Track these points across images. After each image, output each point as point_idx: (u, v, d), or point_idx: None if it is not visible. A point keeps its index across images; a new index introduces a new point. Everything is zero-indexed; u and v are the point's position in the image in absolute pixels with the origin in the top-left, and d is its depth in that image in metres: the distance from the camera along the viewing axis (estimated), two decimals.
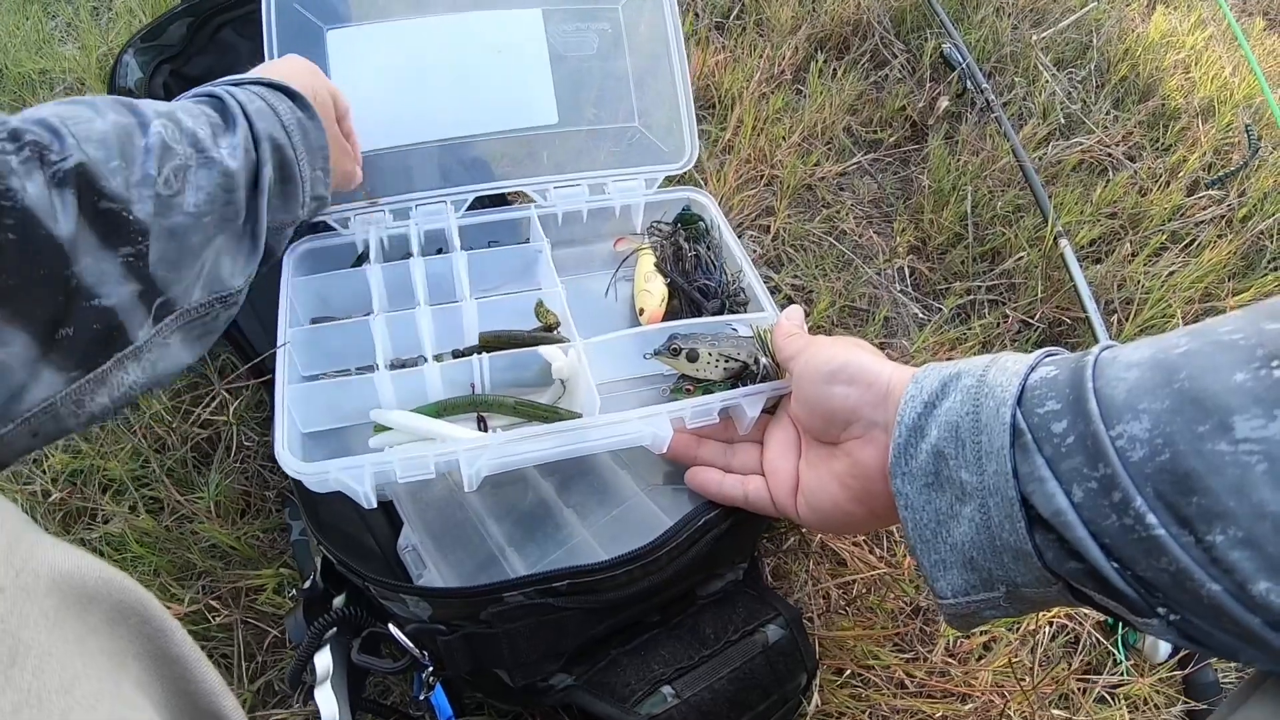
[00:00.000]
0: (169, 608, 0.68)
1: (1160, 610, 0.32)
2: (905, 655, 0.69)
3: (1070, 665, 0.69)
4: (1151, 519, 0.31)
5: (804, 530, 0.74)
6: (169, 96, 0.78)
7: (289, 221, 0.51)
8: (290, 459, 0.53)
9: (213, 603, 0.72)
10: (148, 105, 0.43)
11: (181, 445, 0.79)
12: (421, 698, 0.58)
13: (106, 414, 0.40)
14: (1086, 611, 0.73)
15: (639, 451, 0.62)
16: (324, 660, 0.57)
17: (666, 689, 0.55)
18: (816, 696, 0.61)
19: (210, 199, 0.42)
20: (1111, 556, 0.33)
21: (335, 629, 0.59)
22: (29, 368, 0.35)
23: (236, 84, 0.51)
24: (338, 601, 0.62)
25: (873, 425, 0.46)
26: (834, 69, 1.14)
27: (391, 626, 0.57)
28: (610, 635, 0.59)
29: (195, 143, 0.43)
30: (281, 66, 0.59)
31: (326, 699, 0.55)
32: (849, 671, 0.66)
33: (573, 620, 0.55)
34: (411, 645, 0.56)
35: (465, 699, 0.66)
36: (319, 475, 0.53)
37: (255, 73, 0.55)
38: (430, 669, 0.57)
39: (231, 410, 0.78)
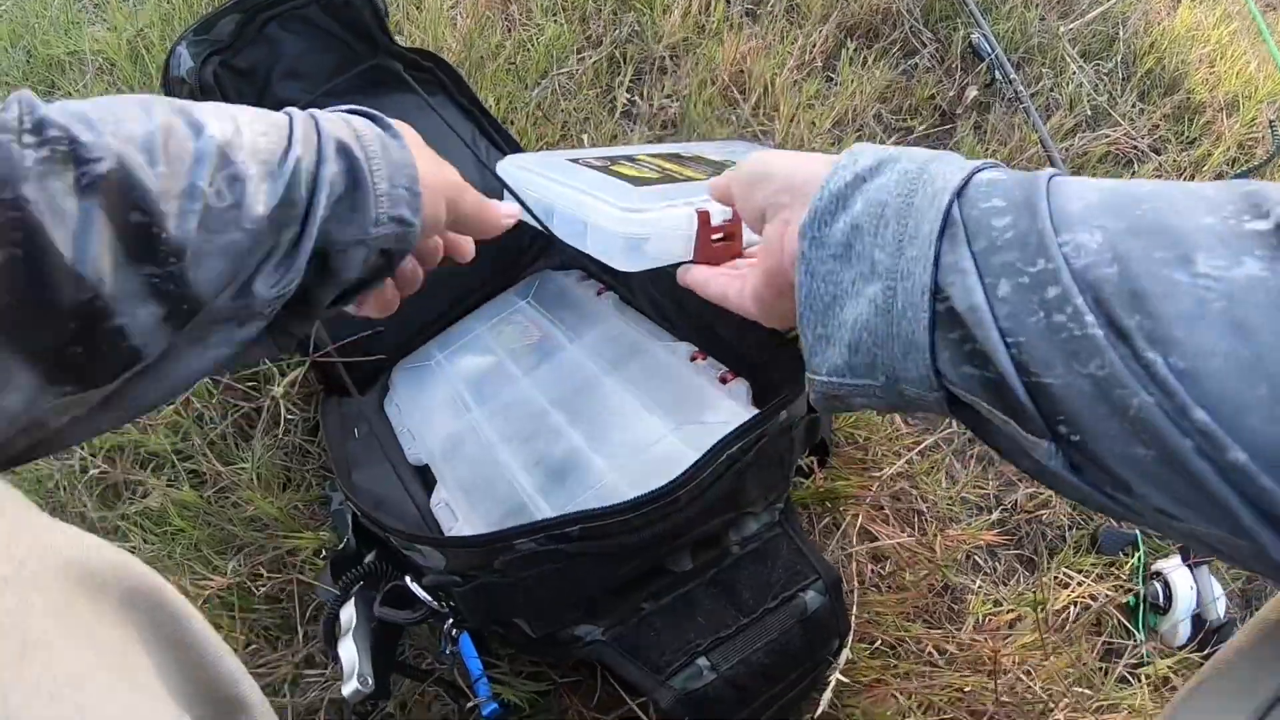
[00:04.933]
0: (209, 580, 0.71)
1: (1061, 429, 0.31)
2: (935, 630, 0.71)
3: (1094, 646, 0.71)
4: (1090, 318, 0.29)
5: (840, 509, 0.76)
6: (219, 85, 0.80)
7: (356, 238, 0.42)
8: None
9: (257, 569, 0.74)
10: (204, 107, 0.37)
11: (222, 419, 0.81)
12: (448, 652, 0.58)
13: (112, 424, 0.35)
14: (1108, 592, 0.75)
15: (669, 393, 0.64)
16: (348, 613, 0.59)
17: (703, 660, 0.55)
18: (848, 653, 0.62)
19: (270, 211, 0.37)
20: (1017, 363, 0.31)
21: (361, 583, 0.60)
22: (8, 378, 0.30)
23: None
24: (368, 559, 0.62)
25: (782, 207, 0.43)
26: (864, 57, 1.15)
27: (408, 579, 0.57)
28: (638, 580, 0.57)
29: (255, 151, 0.37)
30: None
31: (348, 649, 0.57)
32: (879, 642, 0.68)
33: (589, 566, 0.54)
34: (428, 596, 0.57)
35: (498, 651, 0.67)
36: None
37: None
38: (451, 620, 0.57)
39: (279, 385, 0.79)
